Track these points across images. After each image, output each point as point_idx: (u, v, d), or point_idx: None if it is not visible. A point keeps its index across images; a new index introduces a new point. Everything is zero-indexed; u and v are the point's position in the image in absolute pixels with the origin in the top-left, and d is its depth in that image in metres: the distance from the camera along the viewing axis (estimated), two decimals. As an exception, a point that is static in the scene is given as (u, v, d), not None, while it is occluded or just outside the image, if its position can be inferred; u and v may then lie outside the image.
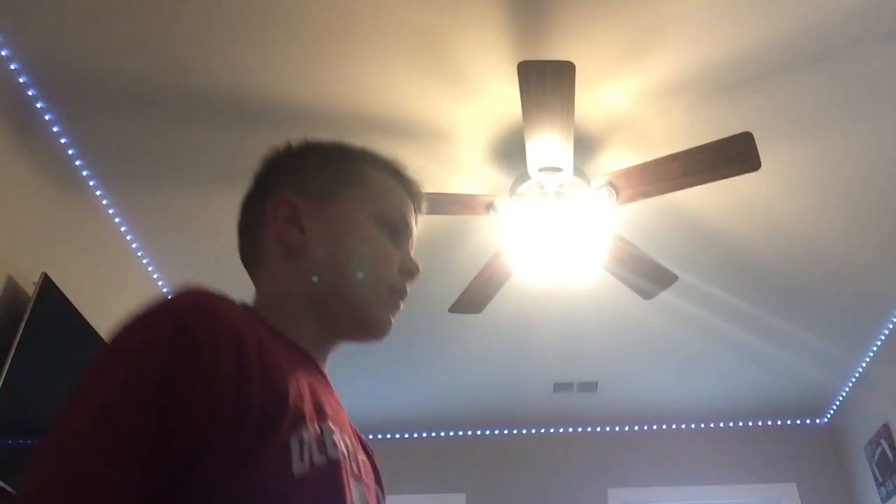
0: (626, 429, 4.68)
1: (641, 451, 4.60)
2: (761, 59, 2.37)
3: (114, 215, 2.96)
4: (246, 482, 0.61)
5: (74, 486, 0.56)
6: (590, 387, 4.29)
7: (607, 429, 4.69)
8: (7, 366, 2.15)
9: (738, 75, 2.43)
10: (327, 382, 0.83)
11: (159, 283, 3.34)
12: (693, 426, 4.68)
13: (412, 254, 0.91)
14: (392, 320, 0.86)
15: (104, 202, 2.90)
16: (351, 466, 0.74)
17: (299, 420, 0.68)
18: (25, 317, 2.26)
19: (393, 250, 0.88)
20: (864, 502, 4.19)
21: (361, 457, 0.81)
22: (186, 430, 0.60)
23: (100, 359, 0.64)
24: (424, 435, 4.69)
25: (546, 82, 2.08)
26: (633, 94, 2.49)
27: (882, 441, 3.91)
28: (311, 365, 0.81)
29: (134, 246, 3.12)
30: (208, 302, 0.68)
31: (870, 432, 4.06)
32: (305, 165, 0.89)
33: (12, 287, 2.33)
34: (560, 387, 4.29)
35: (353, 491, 0.72)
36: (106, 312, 2.87)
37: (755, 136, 2.26)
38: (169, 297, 0.68)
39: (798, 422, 4.65)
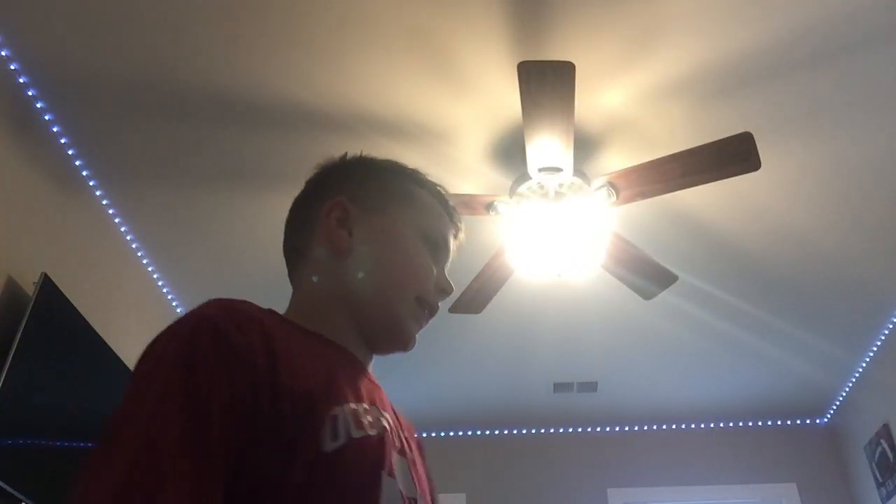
0: (626, 429, 4.68)
1: (641, 451, 4.60)
2: (761, 59, 2.37)
3: (114, 215, 2.96)
4: (289, 455, 0.67)
5: (139, 497, 0.59)
6: (590, 387, 4.29)
7: (607, 429, 4.69)
8: (7, 366, 2.14)
9: (738, 75, 2.43)
10: (366, 372, 0.88)
11: (159, 283, 3.34)
12: (693, 426, 4.68)
13: (447, 275, 0.96)
14: (415, 335, 0.92)
15: (104, 202, 2.90)
16: (393, 440, 0.80)
17: (334, 397, 0.74)
18: (25, 317, 2.26)
19: (431, 266, 0.93)
20: (864, 502, 4.19)
21: (405, 435, 0.87)
22: (237, 422, 0.66)
23: (146, 370, 0.68)
24: (425, 435, 4.63)
25: (546, 82, 2.07)
26: (633, 94, 2.49)
27: (882, 441, 3.91)
28: (348, 355, 0.86)
29: (134, 246, 3.12)
30: (233, 305, 0.75)
31: (870, 432, 4.06)
32: (361, 176, 0.96)
33: (12, 287, 2.32)
34: (560, 387, 4.29)
35: (394, 463, 0.77)
36: (106, 312, 2.87)
37: (755, 136, 2.26)
38: (197, 308, 0.73)
39: (798, 422, 4.65)
